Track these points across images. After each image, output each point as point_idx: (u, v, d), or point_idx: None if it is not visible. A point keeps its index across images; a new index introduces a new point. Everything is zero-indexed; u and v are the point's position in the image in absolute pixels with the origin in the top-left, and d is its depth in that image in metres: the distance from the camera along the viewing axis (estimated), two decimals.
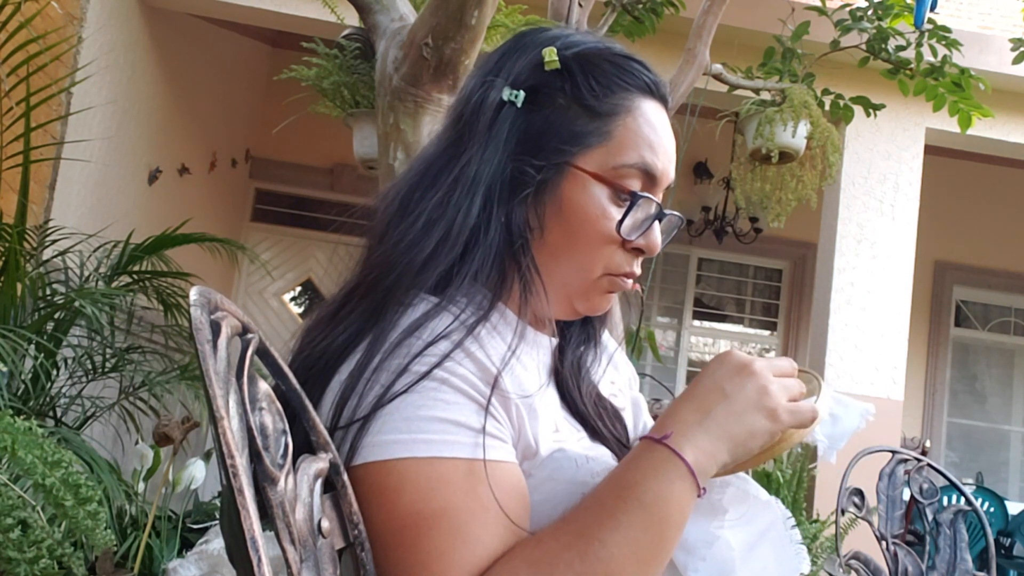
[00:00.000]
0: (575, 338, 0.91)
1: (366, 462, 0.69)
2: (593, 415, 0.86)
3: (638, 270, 0.84)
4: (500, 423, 0.73)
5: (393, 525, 0.68)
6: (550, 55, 0.82)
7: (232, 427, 0.56)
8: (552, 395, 0.83)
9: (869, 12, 3.51)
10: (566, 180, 0.80)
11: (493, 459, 0.70)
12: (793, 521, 0.79)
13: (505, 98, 0.82)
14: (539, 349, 0.85)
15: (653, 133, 0.82)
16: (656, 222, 0.84)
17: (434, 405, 0.70)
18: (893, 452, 2.13)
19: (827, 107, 3.63)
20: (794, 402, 0.74)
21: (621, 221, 0.80)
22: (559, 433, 0.80)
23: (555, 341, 0.87)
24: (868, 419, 0.83)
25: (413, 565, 0.67)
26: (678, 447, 0.69)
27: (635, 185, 0.81)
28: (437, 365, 0.71)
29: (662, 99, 0.86)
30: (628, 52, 0.86)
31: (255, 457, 0.58)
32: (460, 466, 0.69)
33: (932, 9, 3.43)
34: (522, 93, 0.82)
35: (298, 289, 6.08)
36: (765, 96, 3.52)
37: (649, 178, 0.82)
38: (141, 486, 2.81)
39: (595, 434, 0.85)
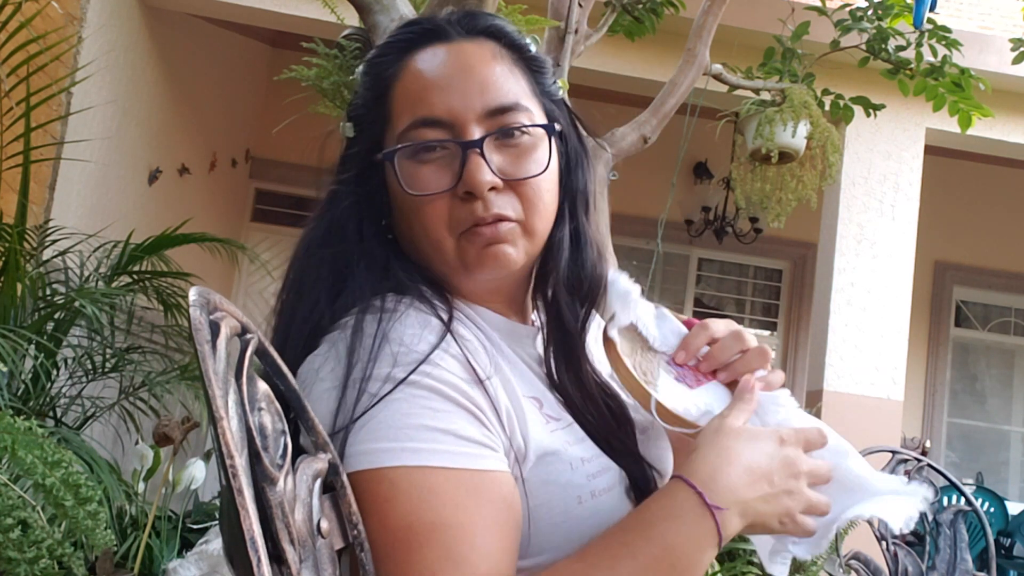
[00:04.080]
0: (555, 326, 0.86)
1: (357, 470, 0.68)
2: (580, 402, 0.82)
3: (484, 213, 0.77)
4: (491, 431, 0.72)
5: (385, 537, 0.67)
6: (357, 75, 0.86)
7: (231, 427, 0.56)
8: (542, 386, 0.81)
9: (869, 12, 3.51)
10: (387, 176, 0.82)
11: (484, 469, 0.70)
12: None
13: (342, 134, 0.86)
14: (523, 342, 0.84)
15: (420, 82, 0.80)
16: (475, 157, 0.77)
17: (422, 413, 0.69)
18: (893, 452, 2.13)
19: (827, 107, 3.63)
20: (806, 513, 0.74)
21: (399, 182, 0.78)
22: (548, 426, 0.78)
23: (536, 330, 0.86)
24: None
25: None
26: (723, 525, 0.69)
27: (428, 138, 0.79)
28: (422, 372, 0.70)
29: (440, 36, 0.83)
30: (410, 21, 0.89)
31: (254, 457, 0.58)
32: (450, 477, 0.68)
33: (932, 9, 3.43)
34: (349, 124, 0.85)
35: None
36: (765, 96, 3.52)
37: (439, 124, 0.78)
38: (141, 486, 2.81)
39: (587, 424, 0.81)
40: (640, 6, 3.33)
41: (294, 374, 0.75)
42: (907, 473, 1.77)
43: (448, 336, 0.73)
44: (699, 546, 0.68)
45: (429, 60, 0.81)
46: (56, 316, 2.71)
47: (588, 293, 0.86)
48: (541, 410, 0.79)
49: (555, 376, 0.82)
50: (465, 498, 0.68)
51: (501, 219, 0.77)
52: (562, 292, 0.85)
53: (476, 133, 0.78)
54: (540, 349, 0.84)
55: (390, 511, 0.67)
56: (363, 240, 0.81)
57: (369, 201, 0.83)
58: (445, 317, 0.75)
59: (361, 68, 0.87)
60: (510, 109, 0.79)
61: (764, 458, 0.72)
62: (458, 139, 0.77)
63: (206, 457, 2.96)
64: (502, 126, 0.79)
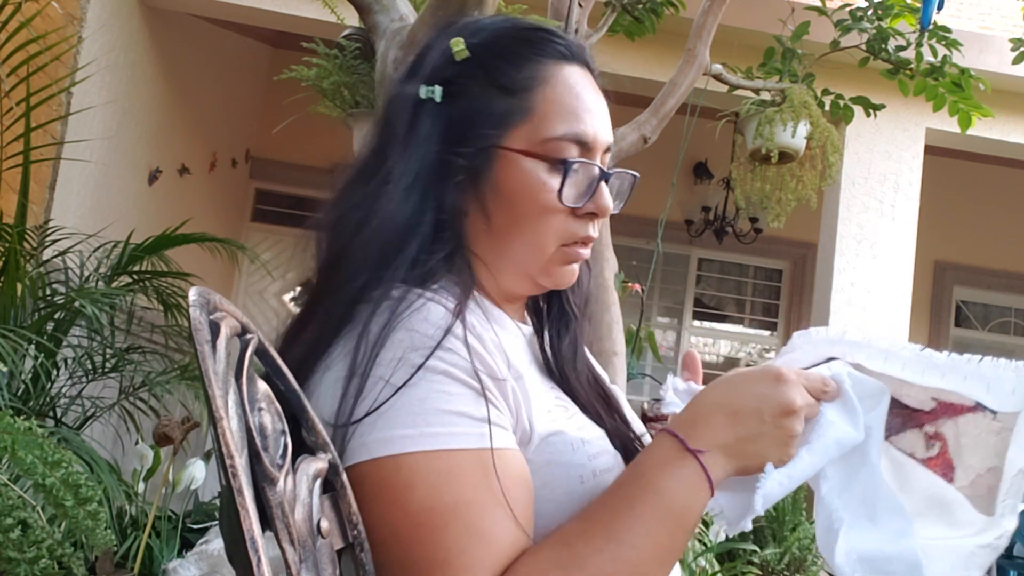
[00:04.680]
0: (555, 320, 0.92)
1: (373, 458, 0.69)
2: (584, 394, 0.88)
3: (595, 233, 0.85)
4: (500, 410, 0.73)
5: (406, 522, 0.68)
6: (457, 45, 0.84)
7: (231, 427, 0.56)
8: (542, 379, 0.85)
9: (869, 12, 3.51)
10: (499, 163, 0.81)
11: (498, 447, 0.71)
12: None
13: (422, 95, 0.83)
14: (521, 336, 0.87)
15: (575, 99, 0.83)
16: (603, 184, 0.84)
17: (437, 397, 0.70)
18: None
19: (827, 107, 3.63)
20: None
21: (560, 190, 0.81)
22: (552, 414, 0.81)
23: (528, 328, 0.90)
24: None
25: (430, 563, 0.67)
26: (709, 468, 0.71)
27: (571, 153, 0.82)
28: (434, 356, 0.71)
29: (582, 62, 0.86)
30: (535, 24, 0.87)
31: (254, 457, 0.58)
32: (468, 458, 0.69)
33: (939, 9, 3.42)
34: (438, 88, 0.83)
35: (298, 289, 6.07)
36: (765, 96, 3.52)
37: (582, 144, 0.82)
38: (141, 486, 2.81)
39: (587, 412, 0.86)
40: (640, 6, 3.33)
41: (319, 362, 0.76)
42: None
43: (458, 323, 0.75)
44: (691, 491, 0.70)
45: (578, 79, 0.84)
46: (56, 316, 2.71)
47: (587, 296, 0.96)
48: (540, 392, 0.82)
49: (556, 370, 0.88)
50: (482, 477, 0.69)
51: (591, 241, 0.85)
52: (568, 296, 0.93)
53: (599, 161, 0.85)
54: (536, 349, 0.89)
55: (411, 496, 0.68)
56: (424, 221, 0.81)
57: (452, 181, 0.82)
58: (463, 309, 0.77)
59: (474, 39, 0.84)
60: (610, 148, 0.87)
61: (754, 398, 0.73)
62: (596, 164, 0.84)
63: (206, 457, 2.96)
64: (604, 162, 0.86)
